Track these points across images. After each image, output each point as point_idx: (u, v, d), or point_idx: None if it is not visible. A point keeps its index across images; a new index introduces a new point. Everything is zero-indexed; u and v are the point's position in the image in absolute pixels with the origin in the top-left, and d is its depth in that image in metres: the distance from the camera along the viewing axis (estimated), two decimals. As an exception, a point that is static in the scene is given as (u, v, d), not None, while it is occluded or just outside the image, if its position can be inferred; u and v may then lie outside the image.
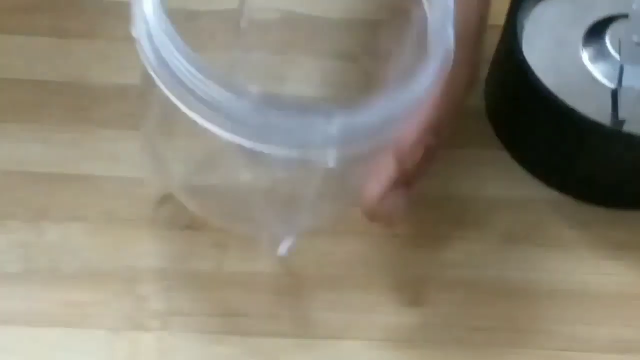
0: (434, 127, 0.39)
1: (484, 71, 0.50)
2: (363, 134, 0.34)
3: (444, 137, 0.40)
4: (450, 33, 0.36)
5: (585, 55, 0.48)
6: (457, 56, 0.36)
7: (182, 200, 0.42)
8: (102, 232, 0.44)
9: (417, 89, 0.35)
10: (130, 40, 0.50)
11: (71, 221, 0.44)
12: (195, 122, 0.33)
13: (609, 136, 0.45)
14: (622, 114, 0.46)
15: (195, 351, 0.41)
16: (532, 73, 0.46)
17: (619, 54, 0.47)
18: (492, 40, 0.48)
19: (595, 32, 0.49)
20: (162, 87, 0.34)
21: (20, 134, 0.47)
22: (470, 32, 0.40)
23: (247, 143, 0.33)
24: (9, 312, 0.42)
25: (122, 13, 0.51)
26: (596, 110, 0.45)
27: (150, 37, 0.34)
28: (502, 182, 0.48)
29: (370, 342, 0.42)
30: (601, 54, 0.48)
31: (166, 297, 0.43)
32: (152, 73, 0.34)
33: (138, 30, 0.34)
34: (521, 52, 0.47)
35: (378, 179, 0.39)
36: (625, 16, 0.48)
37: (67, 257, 0.43)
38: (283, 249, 0.41)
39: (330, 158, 0.33)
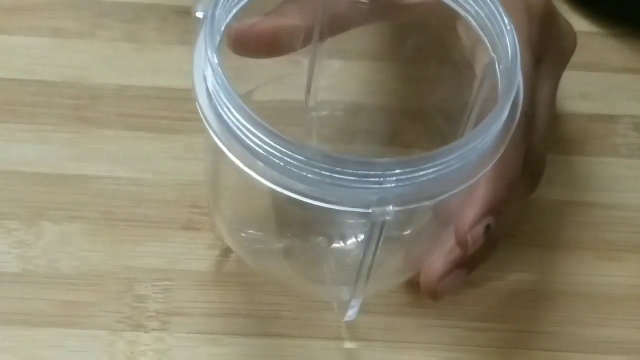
0: (492, 206, 0.38)
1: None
2: (421, 188, 0.32)
3: (504, 220, 0.40)
4: (519, 78, 0.34)
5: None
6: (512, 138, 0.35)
7: (246, 260, 0.43)
8: (101, 232, 0.44)
9: (479, 144, 0.33)
10: (129, 40, 0.51)
11: (70, 221, 0.44)
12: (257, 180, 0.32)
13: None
14: None
15: (195, 351, 0.41)
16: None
17: None
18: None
19: None
20: (214, 136, 0.33)
21: (20, 134, 0.47)
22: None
23: (304, 199, 0.32)
24: (9, 312, 0.42)
25: (122, 13, 0.52)
26: None
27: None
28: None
29: (371, 343, 0.42)
30: None
31: (166, 297, 0.42)
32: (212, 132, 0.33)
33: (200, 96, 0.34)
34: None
35: (440, 257, 0.40)
36: None
37: (66, 257, 0.43)
38: (351, 314, 0.41)
39: (387, 212, 0.32)
